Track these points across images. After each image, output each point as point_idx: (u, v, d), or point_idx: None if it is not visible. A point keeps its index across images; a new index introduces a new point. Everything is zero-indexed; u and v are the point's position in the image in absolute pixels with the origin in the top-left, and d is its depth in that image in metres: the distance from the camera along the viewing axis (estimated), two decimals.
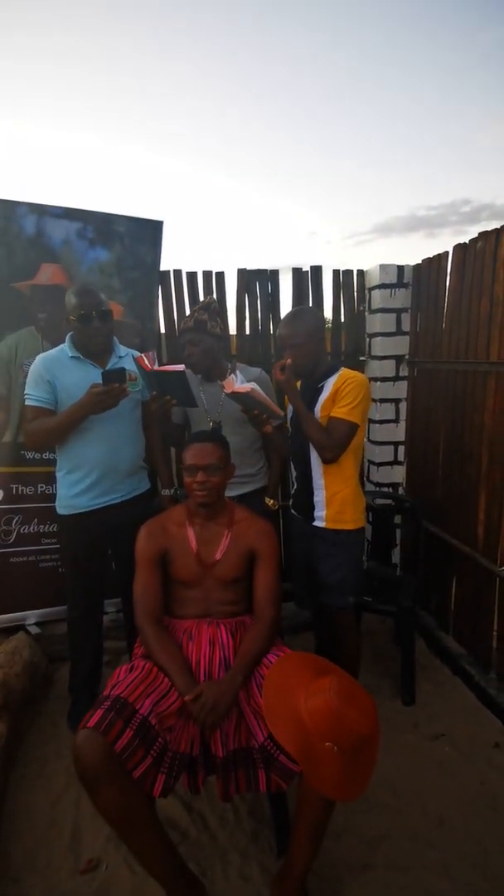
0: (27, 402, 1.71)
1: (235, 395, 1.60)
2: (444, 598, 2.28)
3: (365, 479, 2.70)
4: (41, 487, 2.21)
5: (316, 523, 1.76)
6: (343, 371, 1.68)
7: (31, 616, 2.26)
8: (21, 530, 2.20)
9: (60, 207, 2.19)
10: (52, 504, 1.94)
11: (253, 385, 1.59)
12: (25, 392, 1.72)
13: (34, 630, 2.21)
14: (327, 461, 1.66)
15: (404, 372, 2.54)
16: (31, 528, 2.21)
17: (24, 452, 2.19)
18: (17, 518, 2.20)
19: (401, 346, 2.51)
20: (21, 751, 1.77)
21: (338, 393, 1.64)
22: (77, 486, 1.75)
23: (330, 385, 1.67)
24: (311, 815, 1.17)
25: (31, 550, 2.23)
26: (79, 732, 1.12)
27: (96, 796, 1.11)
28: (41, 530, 2.23)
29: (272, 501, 1.93)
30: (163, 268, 2.35)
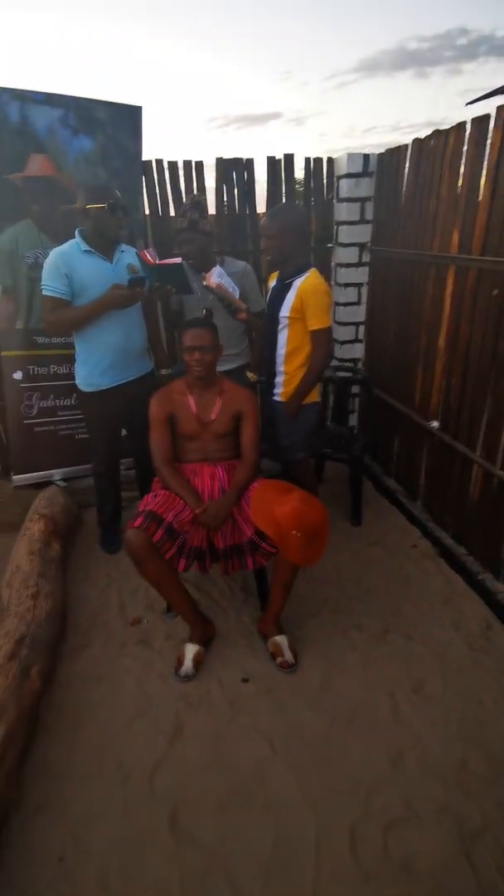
0: (45, 293, 1.98)
1: (209, 289, 1.99)
2: (388, 450, 2.88)
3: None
4: (53, 368, 2.58)
5: (275, 398, 2.21)
6: (309, 275, 1.98)
7: (56, 473, 2.77)
8: (41, 404, 2.62)
9: (41, 93, 2.26)
10: (63, 382, 2.34)
11: (218, 282, 1.96)
12: (43, 283, 1.98)
13: (62, 484, 2.74)
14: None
15: (366, 258, 2.85)
16: (49, 403, 2.63)
17: (36, 338, 2.52)
18: (36, 394, 2.60)
19: (364, 234, 2.79)
20: (69, 564, 2.38)
21: (303, 302, 1.96)
22: (98, 367, 2.12)
23: (296, 286, 1.98)
24: (283, 576, 1.80)
25: (50, 421, 2.67)
26: (128, 531, 1.67)
27: (143, 569, 1.70)
28: (57, 404, 2.65)
29: (252, 375, 2.37)
30: (145, 157, 2.49)
